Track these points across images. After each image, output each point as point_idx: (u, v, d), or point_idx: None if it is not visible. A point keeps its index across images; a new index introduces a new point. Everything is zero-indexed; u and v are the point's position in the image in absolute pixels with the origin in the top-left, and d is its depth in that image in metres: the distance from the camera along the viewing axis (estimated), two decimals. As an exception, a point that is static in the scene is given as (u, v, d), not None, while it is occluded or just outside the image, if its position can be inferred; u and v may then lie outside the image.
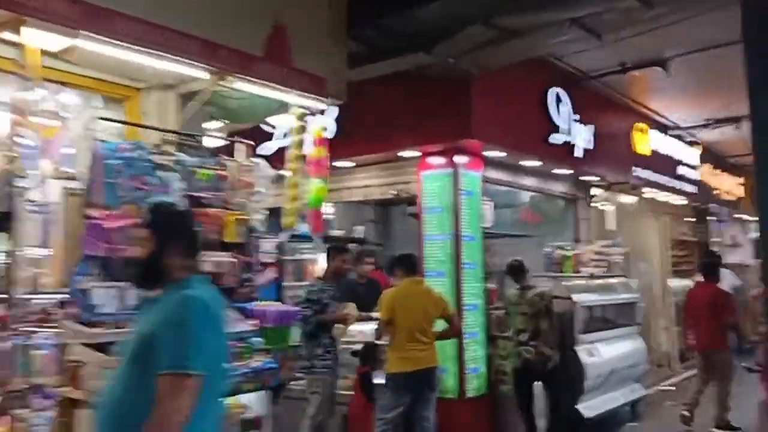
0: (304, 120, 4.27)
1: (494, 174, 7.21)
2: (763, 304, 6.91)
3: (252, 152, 4.53)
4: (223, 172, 3.92)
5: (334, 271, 5.89)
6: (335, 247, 6.08)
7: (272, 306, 4.03)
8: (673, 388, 9.82)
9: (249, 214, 4.06)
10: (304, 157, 4.62)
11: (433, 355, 5.25)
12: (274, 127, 6.37)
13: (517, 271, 6.40)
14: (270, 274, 8.48)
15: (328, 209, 10.11)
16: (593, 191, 9.43)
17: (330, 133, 6.75)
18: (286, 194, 4.28)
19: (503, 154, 6.74)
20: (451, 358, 6.34)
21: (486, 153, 6.72)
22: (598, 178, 8.87)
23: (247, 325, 3.77)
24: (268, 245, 8.49)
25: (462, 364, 6.35)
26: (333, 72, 4.41)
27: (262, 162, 4.21)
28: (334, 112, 6.78)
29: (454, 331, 5.53)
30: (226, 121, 4.65)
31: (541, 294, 6.26)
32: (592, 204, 9.53)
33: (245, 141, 4.63)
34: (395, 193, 6.96)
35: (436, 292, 5.49)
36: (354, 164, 7.09)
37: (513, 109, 6.67)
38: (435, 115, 6.19)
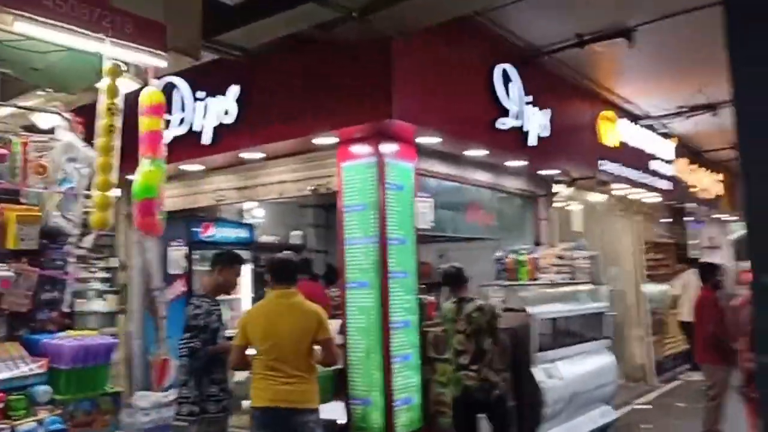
0: (118, 77, 3.09)
1: (434, 166, 6.12)
2: (749, 314, 5.95)
3: (82, 130, 3.40)
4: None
5: (221, 285, 4.74)
6: (222, 256, 4.92)
7: (78, 339, 2.86)
8: (650, 406, 8.83)
9: (45, 210, 2.90)
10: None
11: (304, 393, 4.05)
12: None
13: (453, 279, 5.28)
14: (178, 288, 7.36)
15: (255, 212, 9.02)
16: (555, 188, 8.40)
17: (231, 118, 5.65)
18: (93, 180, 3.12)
19: (438, 140, 5.64)
20: (375, 387, 5.22)
21: (420, 140, 5.62)
22: (559, 172, 7.83)
23: (27, 368, 2.62)
24: (175, 254, 7.43)
25: (389, 393, 5.22)
26: (178, 17, 3.27)
27: (69, 137, 3.05)
28: (234, 91, 5.67)
29: (327, 361, 4.34)
30: (49, 90, 3.49)
31: (481, 307, 5.14)
32: (555, 203, 8.50)
33: (64, 114, 3.49)
34: (313, 188, 5.84)
35: (313, 307, 4.27)
36: (263, 155, 5.96)
37: (451, 88, 5.58)
38: (351, 92, 5.09)
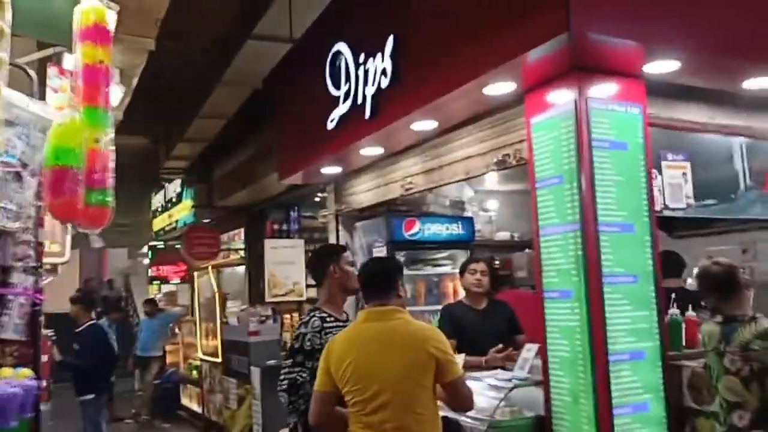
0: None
1: (684, 112, 4.02)
2: None
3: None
4: None
5: (337, 288, 3.51)
6: (325, 252, 3.70)
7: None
8: None
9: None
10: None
11: None
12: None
13: (716, 285, 3.24)
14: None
15: (489, 203, 7.57)
16: None
17: (388, 79, 4.42)
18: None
19: (676, 65, 3.57)
20: (589, 452, 3.41)
21: (648, 68, 3.64)
22: None
23: None
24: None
25: (612, 464, 3.36)
26: None
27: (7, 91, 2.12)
28: (389, 44, 4.40)
29: (456, 407, 2.83)
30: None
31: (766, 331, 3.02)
32: None
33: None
34: (499, 160, 4.26)
35: (422, 331, 2.84)
36: (435, 123, 4.55)
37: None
38: (520, 6, 3.43)
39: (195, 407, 10.40)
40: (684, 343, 3.84)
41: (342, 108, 4.97)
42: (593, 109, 3.55)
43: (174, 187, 11.80)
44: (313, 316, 3.42)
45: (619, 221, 3.55)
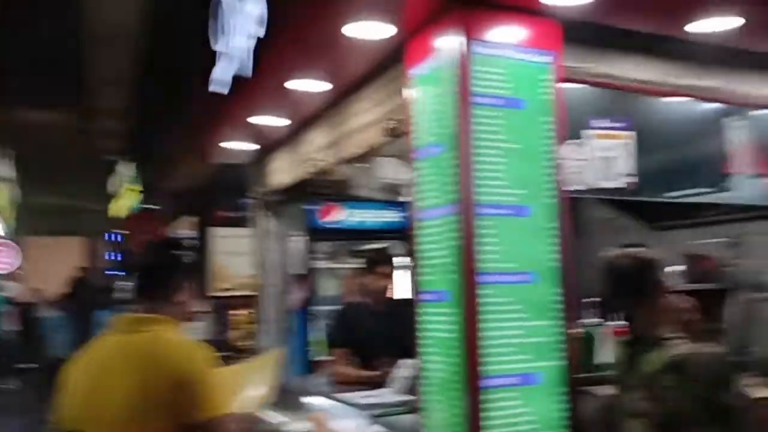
0: None
1: (616, 66, 3.15)
2: None
3: None
4: None
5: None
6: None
7: None
8: None
9: None
10: None
11: None
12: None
13: (621, 286, 2.40)
14: (301, 292, 5.49)
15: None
16: None
17: (261, 27, 3.62)
18: None
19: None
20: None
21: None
22: None
23: None
24: (293, 248, 5.56)
25: None
26: None
27: None
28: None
29: None
30: None
31: (681, 363, 2.18)
32: None
33: None
34: (394, 126, 3.42)
35: (180, 349, 2.02)
36: (328, 86, 3.73)
37: None
38: None
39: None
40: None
41: (220, 67, 4.14)
42: (478, 56, 2.71)
43: (127, 170, 11.08)
44: None
45: (511, 202, 2.71)
